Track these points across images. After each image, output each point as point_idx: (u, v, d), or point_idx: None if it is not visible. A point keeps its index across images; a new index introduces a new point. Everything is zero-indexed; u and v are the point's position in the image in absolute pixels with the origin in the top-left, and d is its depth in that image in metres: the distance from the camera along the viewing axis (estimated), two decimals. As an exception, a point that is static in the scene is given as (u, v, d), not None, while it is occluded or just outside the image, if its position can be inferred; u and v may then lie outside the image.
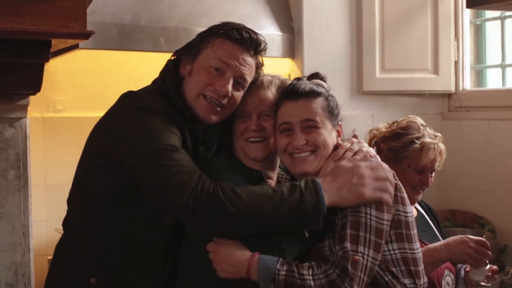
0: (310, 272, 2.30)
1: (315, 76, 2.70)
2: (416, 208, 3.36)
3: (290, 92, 2.57)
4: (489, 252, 3.11)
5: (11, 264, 3.63)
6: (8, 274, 3.62)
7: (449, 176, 4.76)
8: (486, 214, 4.69)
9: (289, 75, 4.60)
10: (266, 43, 2.71)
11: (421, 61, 4.85)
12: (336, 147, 2.56)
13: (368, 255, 2.32)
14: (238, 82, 2.63)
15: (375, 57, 4.78)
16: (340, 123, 2.64)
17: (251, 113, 2.63)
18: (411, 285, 2.47)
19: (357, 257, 2.30)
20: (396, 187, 2.48)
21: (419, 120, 3.32)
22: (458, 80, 4.93)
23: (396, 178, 2.52)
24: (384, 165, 2.48)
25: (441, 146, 3.25)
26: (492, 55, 4.98)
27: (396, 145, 3.22)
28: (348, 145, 2.55)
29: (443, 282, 3.14)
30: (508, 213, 4.53)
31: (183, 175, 2.38)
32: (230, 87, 2.59)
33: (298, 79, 2.67)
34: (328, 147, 2.53)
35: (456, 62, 4.91)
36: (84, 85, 4.62)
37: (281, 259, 2.36)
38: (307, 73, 4.47)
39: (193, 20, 4.35)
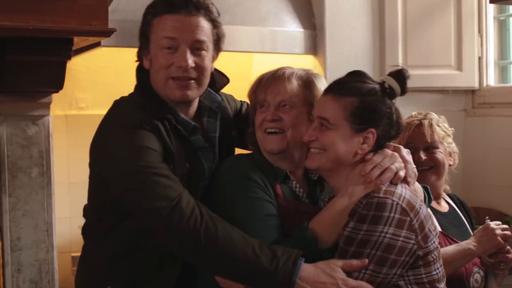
0: None
1: (399, 73, 2.49)
2: (448, 202, 3.33)
3: (328, 85, 2.50)
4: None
5: (35, 261, 3.66)
6: (32, 271, 3.65)
7: (473, 173, 4.73)
8: (511, 211, 4.66)
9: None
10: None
11: (444, 57, 4.82)
12: (366, 159, 2.42)
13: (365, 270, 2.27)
14: (197, 48, 2.53)
15: (397, 54, 4.76)
16: (372, 130, 2.42)
17: (269, 103, 2.58)
18: None
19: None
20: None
21: (433, 115, 3.32)
22: (482, 76, 4.89)
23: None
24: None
25: (432, 119, 3.27)
26: (517, 51, 4.95)
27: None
28: (379, 159, 2.41)
29: (471, 279, 3.11)
30: (532, 210, 4.50)
31: (159, 200, 2.33)
32: (188, 58, 2.50)
33: (357, 73, 2.52)
34: (338, 152, 2.40)
35: (479, 58, 4.87)
36: (106, 83, 4.64)
37: None
38: (329, 70, 4.50)
39: (214, 17, 4.35)
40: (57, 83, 3.57)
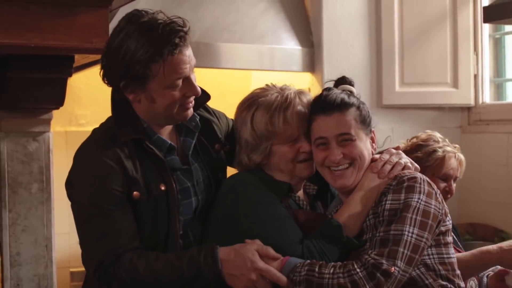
0: (331, 271, 2.31)
1: (342, 80, 2.70)
2: None
3: (322, 105, 2.55)
4: None
5: (34, 276, 3.68)
6: (31, 286, 3.67)
7: (469, 189, 4.76)
8: (507, 227, 4.68)
9: (309, 89, 4.62)
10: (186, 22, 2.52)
11: (440, 74, 4.86)
12: (374, 159, 2.57)
13: (403, 270, 2.31)
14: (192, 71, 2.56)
15: (394, 71, 4.80)
16: (373, 129, 2.63)
17: (299, 137, 2.62)
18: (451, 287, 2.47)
19: (393, 269, 2.28)
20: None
21: (438, 134, 3.40)
22: (478, 93, 4.93)
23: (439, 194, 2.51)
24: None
25: (461, 156, 3.34)
26: (512, 69, 4.99)
27: (419, 155, 3.29)
28: (387, 157, 2.56)
29: (467, 285, 3.15)
30: (528, 226, 4.53)
31: (95, 248, 2.49)
32: (196, 84, 2.56)
33: (328, 89, 2.62)
34: (365, 158, 2.54)
35: (475, 76, 4.91)
36: (106, 100, 4.59)
37: (308, 261, 2.38)
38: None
39: (213, 35, 4.39)
40: (58, 100, 3.60)
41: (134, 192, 2.48)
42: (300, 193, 2.74)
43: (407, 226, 2.34)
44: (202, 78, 4.76)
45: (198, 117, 2.72)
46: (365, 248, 2.42)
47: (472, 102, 4.92)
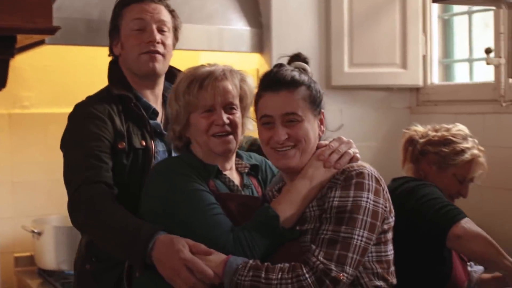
0: (279, 276, 2.25)
1: (296, 57, 2.61)
2: None
3: (271, 81, 2.47)
4: None
5: (-23, 262, 3.61)
6: (-26, 271, 3.60)
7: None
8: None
9: (258, 70, 4.59)
10: None
11: (389, 55, 4.86)
12: (321, 146, 2.49)
13: (350, 275, 2.28)
14: (161, 29, 2.94)
15: (343, 52, 4.78)
16: (322, 110, 2.53)
17: (215, 107, 2.60)
18: (384, 286, 2.43)
19: (342, 276, 2.24)
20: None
21: (467, 130, 3.34)
22: (426, 74, 4.94)
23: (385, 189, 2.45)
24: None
25: (484, 160, 3.31)
26: (460, 50, 5.00)
27: (446, 151, 3.25)
28: (335, 145, 2.48)
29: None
30: (474, 206, 4.53)
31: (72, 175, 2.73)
32: (156, 34, 2.90)
33: (279, 65, 2.54)
34: (310, 140, 2.46)
35: (424, 57, 4.92)
36: (51, 81, 4.59)
37: (250, 262, 2.32)
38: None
39: (161, 15, 4.32)
40: (0, 82, 3.52)
41: (119, 144, 2.80)
42: (232, 173, 2.70)
43: (358, 229, 2.29)
44: (149, 59, 4.71)
45: None
46: (305, 240, 2.36)
47: (420, 83, 4.93)
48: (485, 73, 4.67)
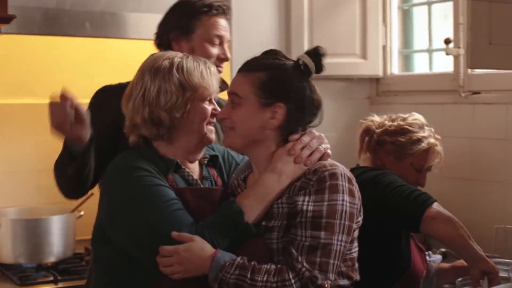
0: (265, 278, 2.23)
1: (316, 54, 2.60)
2: None
3: (244, 63, 2.52)
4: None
5: None
6: None
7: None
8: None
9: (218, 60, 4.56)
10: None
11: (349, 45, 4.86)
12: (292, 140, 2.43)
13: (333, 280, 2.28)
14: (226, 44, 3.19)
15: (303, 42, 4.77)
16: (281, 104, 2.41)
17: (213, 96, 2.64)
18: (348, 285, 2.43)
19: (327, 283, 2.23)
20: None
21: (424, 119, 3.35)
22: (386, 64, 4.95)
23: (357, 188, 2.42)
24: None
25: (441, 148, 3.31)
26: (420, 40, 5.02)
27: (402, 140, 3.24)
28: (307, 140, 2.43)
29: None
30: (433, 196, 4.57)
31: None
32: (228, 52, 3.19)
33: (270, 51, 2.60)
34: (245, 128, 2.41)
35: (384, 47, 4.93)
36: (7, 71, 4.50)
37: (238, 260, 2.29)
38: (235, 58, 4.49)
39: (119, 4, 4.27)
40: (-45, 72, 3.46)
41: None
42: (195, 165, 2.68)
43: (337, 234, 2.27)
44: (107, 48, 4.68)
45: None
46: (272, 238, 2.33)
47: (380, 73, 4.94)
48: (444, 64, 4.69)
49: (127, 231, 2.44)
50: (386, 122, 3.35)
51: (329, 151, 2.47)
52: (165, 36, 3.16)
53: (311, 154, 2.41)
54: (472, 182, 4.32)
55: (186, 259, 2.30)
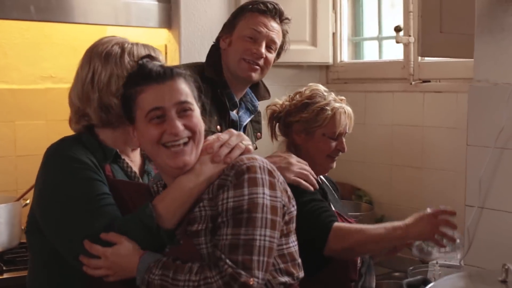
0: (187, 277, 2.17)
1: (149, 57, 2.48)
2: (321, 179, 3.33)
3: (152, 73, 2.30)
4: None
5: None
6: None
7: (327, 148, 4.78)
8: (363, 186, 4.74)
9: (166, 46, 4.50)
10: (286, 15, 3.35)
11: (299, 32, 4.82)
12: (207, 140, 2.37)
13: (261, 279, 2.18)
14: (270, 46, 3.30)
15: (253, 28, 4.73)
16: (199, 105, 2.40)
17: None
18: (290, 281, 2.35)
19: (252, 280, 2.14)
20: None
21: (322, 87, 3.29)
22: (336, 52, 4.95)
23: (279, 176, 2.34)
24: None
25: (349, 108, 3.25)
26: (369, 28, 5.02)
27: (306, 115, 3.17)
28: (225, 137, 2.35)
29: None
30: (384, 184, 4.60)
31: None
32: (263, 49, 3.25)
33: (148, 57, 2.45)
34: (202, 133, 2.33)
35: (334, 34, 4.92)
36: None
37: (164, 259, 2.23)
38: (184, 44, 4.43)
39: (65, -13, 4.18)
40: None
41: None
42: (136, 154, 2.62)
43: (258, 228, 2.19)
44: (54, 33, 4.59)
45: (258, 104, 3.49)
46: (199, 243, 2.26)
47: (330, 60, 4.93)
48: (394, 52, 4.69)
49: (53, 224, 2.38)
50: (287, 102, 3.30)
51: (250, 147, 2.38)
52: (219, 36, 3.37)
53: (230, 151, 2.32)
54: (422, 170, 4.34)
55: (114, 263, 2.26)
